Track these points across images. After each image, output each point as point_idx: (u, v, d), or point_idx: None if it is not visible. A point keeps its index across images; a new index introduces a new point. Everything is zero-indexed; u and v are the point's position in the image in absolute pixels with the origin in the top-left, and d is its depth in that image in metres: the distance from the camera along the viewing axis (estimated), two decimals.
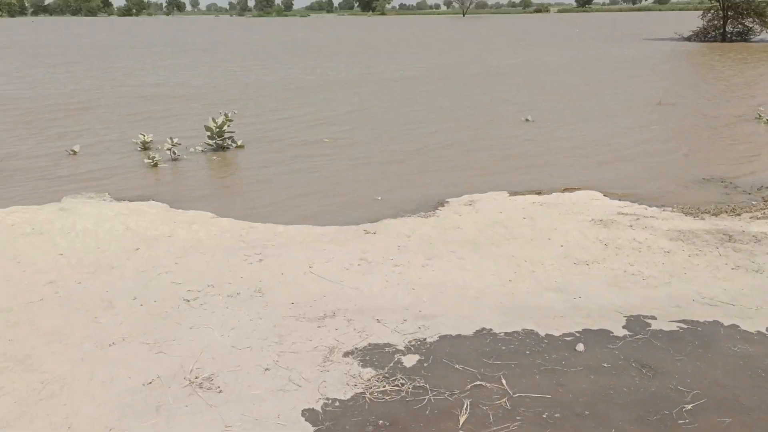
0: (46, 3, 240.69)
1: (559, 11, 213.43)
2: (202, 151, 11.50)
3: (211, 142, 11.43)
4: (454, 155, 11.17)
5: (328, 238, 6.91)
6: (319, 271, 6.03)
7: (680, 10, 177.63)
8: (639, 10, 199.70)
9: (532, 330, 4.88)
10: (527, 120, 14.23)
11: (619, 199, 8.26)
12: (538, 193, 8.61)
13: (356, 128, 13.62)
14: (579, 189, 8.77)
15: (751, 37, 41.46)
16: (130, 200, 8.46)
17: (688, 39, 43.06)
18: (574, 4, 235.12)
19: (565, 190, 8.74)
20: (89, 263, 6.22)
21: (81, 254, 6.44)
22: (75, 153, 11.37)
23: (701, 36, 42.69)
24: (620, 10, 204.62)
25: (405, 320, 5.09)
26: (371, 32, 70.34)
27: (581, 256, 6.30)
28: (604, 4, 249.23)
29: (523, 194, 8.59)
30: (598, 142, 12.03)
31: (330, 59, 32.96)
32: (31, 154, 11.44)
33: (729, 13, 41.39)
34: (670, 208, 7.83)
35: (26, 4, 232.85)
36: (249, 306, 5.35)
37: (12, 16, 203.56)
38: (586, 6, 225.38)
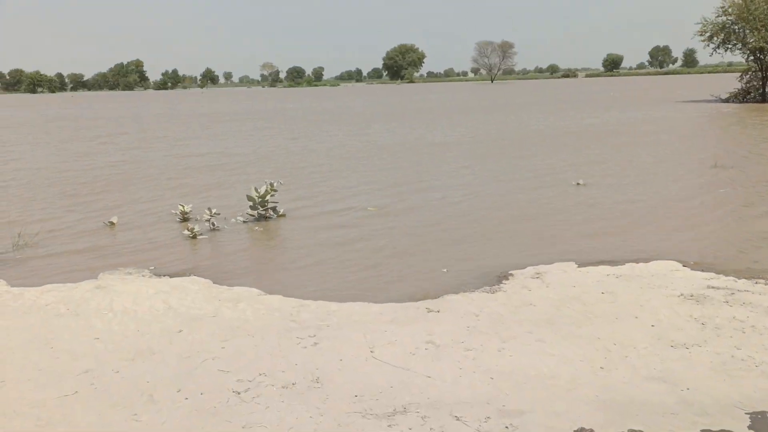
0: (84, 79, 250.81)
1: (587, 76, 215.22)
2: (244, 221, 11.07)
3: (252, 212, 10.99)
4: (508, 222, 10.55)
5: (387, 317, 6.27)
6: (383, 356, 5.37)
7: (709, 72, 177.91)
8: (667, 73, 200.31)
9: None
10: (579, 184, 13.60)
11: (702, 270, 7.50)
12: (610, 264, 7.90)
13: (403, 195, 13.11)
14: (654, 259, 8.03)
15: None
16: (171, 276, 7.95)
17: (726, 100, 42.41)
18: (602, 69, 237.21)
19: (639, 260, 8.01)
20: (128, 348, 5.64)
21: (119, 338, 5.88)
22: (113, 225, 11.02)
23: (740, 97, 42.00)
24: (648, 74, 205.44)
25: (488, 417, 4.38)
26: (404, 98, 71.12)
27: (677, 338, 5.54)
28: (630, 68, 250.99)
29: (593, 265, 7.89)
30: (660, 207, 11.31)
31: (369, 126, 32.92)
32: (69, 226, 11.12)
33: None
34: (764, 281, 7.04)
35: (66, 80, 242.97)
36: (307, 399, 4.69)
37: (52, 91, 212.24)
38: (614, 70, 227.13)
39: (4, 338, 5.87)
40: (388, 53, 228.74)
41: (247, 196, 11.05)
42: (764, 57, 40.33)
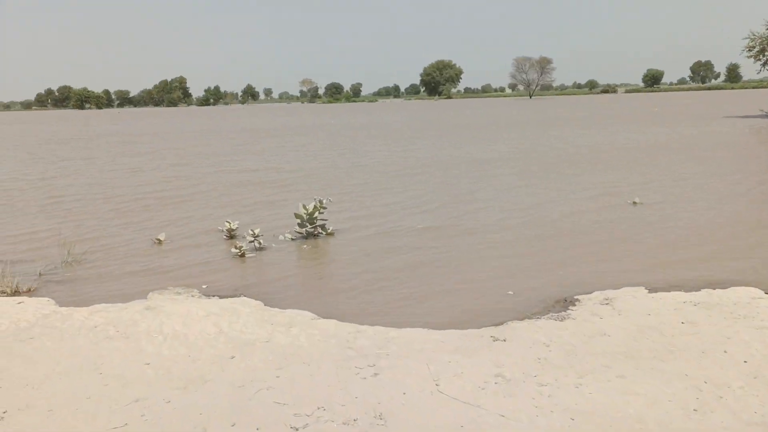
0: (130, 95, 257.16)
1: (627, 91, 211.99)
2: (292, 239, 10.81)
3: (301, 230, 10.73)
4: (569, 243, 10.06)
5: (450, 345, 5.87)
6: (449, 390, 4.98)
7: (754, 87, 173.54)
8: (709, 89, 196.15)
9: None
10: (635, 203, 13.03)
11: None
12: (683, 290, 7.37)
13: (455, 214, 12.71)
14: (730, 285, 7.48)
15: None
16: (221, 296, 7.71)
17: None
18: (641, 84, 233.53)
19: (715, 286, 7.47)
20: (179, 375, 5.37)
21: (170, 363, 5.61)
22: (160, 242, 10.88)
23: None
24: (690, 89, 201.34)
25: None
26: (444, 114, 70.76)
27: None
28: (671, 83, 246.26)
29: (664, 290, 7.37)
30: (727, 228, 10.69)
31: (413, 141, 32.50)
32: (118, 243, 11.01)
33: None
34: None
35: (113, 96, 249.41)
36: None
37: (99, 107, 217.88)
38: (654, 86, 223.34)
39: (52, 363, 5.66)
40: (425, 69, 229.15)
41: (295, 213, 10.81)
42: None
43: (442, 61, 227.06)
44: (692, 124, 38.19)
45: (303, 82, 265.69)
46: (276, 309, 7.04)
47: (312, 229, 10.78)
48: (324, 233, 11.02)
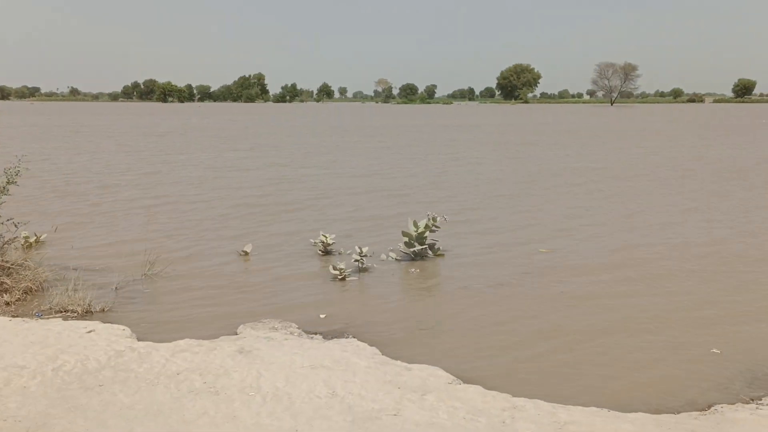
0: (211, 90, 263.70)
1: (715, 101, 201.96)
2: (396, 259, 9.37)
3: (408, 250, 9.27)
4: (734, 287, 8.21)
5: None
6: None
7: None
8: None
9: None
10: None
11: None
12: None
13: (581, 236, 10.97)
14: None
15: None
16: (324, 335, 6.32)
17: None
18: (731, 94, 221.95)
19: None
20: None
21: None
22: (246, 255, 9.65)
23: None
24: None
25: None
26: (532, 119, 68.12)
27: None
28: (762, 94, 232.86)
29: None
30: None
31: (524, 149, 30.11)
32: (204, 255, 9.84)
33: None
34: None
35: (194, 91, 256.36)
36: None
37: (181, 101, 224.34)
38: (745, 96, 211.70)
39: (127, 424, 4.37)
40: (502, 73, 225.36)
41: (403, 231, 9.34)
42: None
43: (520, 65, 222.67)
44: None
45: (378, 82, 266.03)
46: (400, 363, 5.55)
47: (420, 250, 9.30)
48: (432, 254, 9.52)
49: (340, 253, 9.69)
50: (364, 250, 8.86)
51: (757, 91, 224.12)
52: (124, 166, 21.65)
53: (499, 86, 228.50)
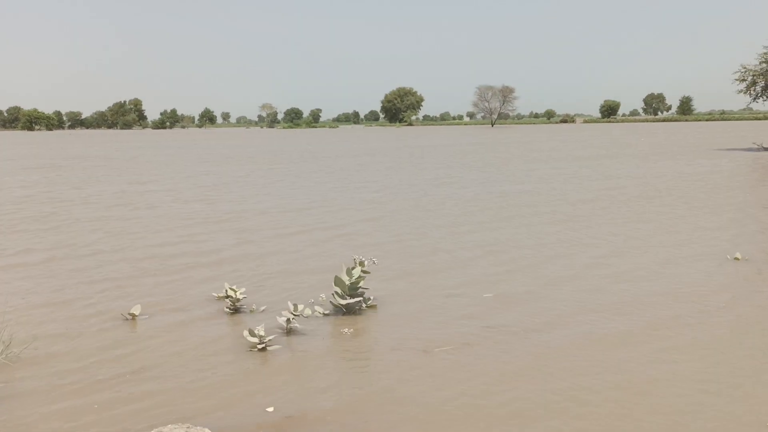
0: (83, 117, 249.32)
1: (585, 122, 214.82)
2: (324, 313, 7.72)
3: (341, 302, 7.64)
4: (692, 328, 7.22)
5: None
6: None
7: (706, 120, 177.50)
8: (663, 120, 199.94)
9: None
10: (737, 258, 10.36)
11: None
12: None
13: (524, 276, 9.77)
14: None
15: None
16: None
17: None
18: (598, 115, 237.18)
19: None
20: None
21: None
22: (134, 317, 7.67)
23: None
24: (645, 121, 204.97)
25: None
26: (431, 140, 68.10)
27: None
28: (624, 115, 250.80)
29: None
30: None
31: (433, 170, 29.24)
32: (82, 321, 7.73)
33: None
34: None
35: (64, 118, 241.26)
36: None
37: (50, 129, 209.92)
38: (611, 117, 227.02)
39: None
40: (386, 96, 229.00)
41: (336, 278, 7.70)
42: None
43: (403, 88, 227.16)
44: (705, 156, 36.23)
45: (263, 107, 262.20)
46: None
47: (354, 302, 7.71)
48: (365, 305, 7.96)
49: (252, 311, 7.92)
50: (300, 308, 7.15)
51: (620, 111, 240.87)
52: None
53: (384, 109, 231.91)
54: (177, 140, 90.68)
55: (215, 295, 8.54)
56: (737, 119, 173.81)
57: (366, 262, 8.02)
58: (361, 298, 7.76)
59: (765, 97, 40.36)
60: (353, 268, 7.85)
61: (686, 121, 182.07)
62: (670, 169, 27.44)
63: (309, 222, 14.69)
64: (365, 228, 13.81)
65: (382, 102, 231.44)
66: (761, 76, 39.58)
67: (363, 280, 7.83)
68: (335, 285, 7.74)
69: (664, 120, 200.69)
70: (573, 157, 37.01)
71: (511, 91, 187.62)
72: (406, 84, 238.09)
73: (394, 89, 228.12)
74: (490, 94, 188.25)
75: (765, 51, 38.97)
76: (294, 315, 7.01)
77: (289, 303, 7.27)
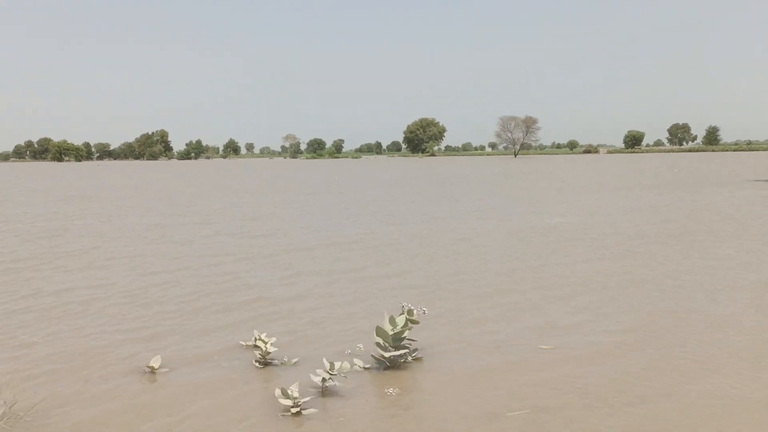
0: (111, 148, 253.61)
1: (608, 152, 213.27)
2: (365, 367, 6.87)
3: (384, 355, 6.78)
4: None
5: None
6: None
7: (734, 150, 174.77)
8: (689, 150, 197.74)
9: None
10: None
11: None
12: None
13: (592, 318, 8.82)
14: None
15: None
16: None
17: None
18: (622, 145, 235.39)
19: None
20: None
21: None
22: (153, 372, 6.88)
23: None
24: (671, 151, 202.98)
25: None
26: (456, 172, 67.44)
27: None
28: (648, 145, 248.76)
29: None
30: None
31: (468, 204, 28.57)
32: (85, 376, 6.97)
33: None
34: None
35: (93, 149, 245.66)
36: None
37: (78, 160, 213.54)
38: (635, 147, 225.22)
39: None
40: (408, 127, 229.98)
41: (377, 329, 6.86)
42: None
43: (425, 119, 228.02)
44: (743, 187, 34.98)
45: (286, 138, 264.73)
46: None
47: (398, 355, 6.84)
48: (410, 358, 7.08)
49: (283, 363, 7.10)
50: (336, 366, 6.31)
51: (644, 141, 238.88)
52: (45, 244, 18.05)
53: (406, 140, 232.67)
54: (205, 171, 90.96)
55: (243, 343, 7.74)
56: (765, 149, 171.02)
57: (415, 311, 7.15)
58: (407, 350, 6.89)
59: None
60: (399, 316, 7.00)
61: (713, 151, 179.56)
62: None
63: (347, 259, 13.87)
64: (401, 267, 12.96)
65: (404, 132, 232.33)
66: None
67: (409, 329, 6.97)
68: (377, 335, 6.90)
69: (689, 150, 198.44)
70: (641, 186, 35.93)
71: (534, 121, 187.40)
72: (429, 114, 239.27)
73: (417, 120, 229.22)
74: (513, 124, 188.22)
75: None
76: (330, 374, 6.16)
77: (324, 360, 6.43)
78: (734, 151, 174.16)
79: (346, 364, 6.71)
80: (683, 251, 13.92)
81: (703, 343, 7.56)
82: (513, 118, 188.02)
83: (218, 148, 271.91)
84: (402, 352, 6.81)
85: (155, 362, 6.96)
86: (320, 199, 31.86)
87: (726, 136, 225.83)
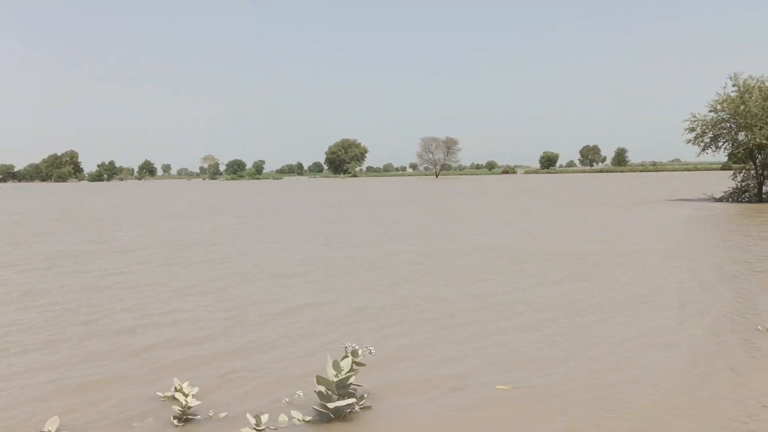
0: (15, 170, 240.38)
1: (525, 172, 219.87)
2: (304, 420, 5.92)
3: (330, 406, 5.85)
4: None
5: None
6: None
7: (641, 171, 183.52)
8: (599, 171, 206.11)
9: None
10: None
11: None
12: None
13: (542, 361, 8.14)
14: None
15: None
16: None
17: (720, 200, 39.92)
18: (537, 166, 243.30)
19: None
20: None
21: None
22: None
23: (735, 197, 39.60)
24: (583, 171, 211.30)
25: None
26: (381, 194, 66.87)
27: None
28: (561, 165, 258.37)
29: None
30: None
31: (415, 234, 27.61)
32: None
33: (764, 172, 38.66)
34: None
35: None
36: None
37: None
38: (550, 168, 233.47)
39: None
40: (330, 147, 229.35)
41: (318, 378, 5.94)
42: (760, 155, 38.28)
43: (347, 140, 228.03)
44: (666, 208, 35.96)
45: (206, 159, 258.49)
46: None
47: (345, 405, 5.94)
48: (358, 406, 6.19)
49: (209, 418, 6.06)
50: (263, 419, 5.35)
51: (558, 162, 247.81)
52: None
53: (328, 161, 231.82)
54: (118, 194, 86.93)
55: (160, 395, 6.63)
56: (669, 170, 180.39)
57: (360, 351, 6.28)
58: (354, 400, 6.00)
59: (714, 148, 40.59)
60: (344, 359, 6.11)
61: (621, 171, 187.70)
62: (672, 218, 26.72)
63: (278, 290, 12.83)
64: (329, 297, 12.05)
65: (326, 153, 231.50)
66: (710, 127, 39.90)
67: (355, 373, 6.10)
68: (318, 384, 5.98)
69: (600, 171, 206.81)
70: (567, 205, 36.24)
71: (455, 142, 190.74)
72: (350, 135, 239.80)
73: (338, 141, 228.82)
74: (434, 145, 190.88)
75: (715, 101, 39.38)
76: (257, 430, 5.21)
77: (248, 416, 5.45)
78: (641, 171, 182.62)
79: (283, 416, 5.78)
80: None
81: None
82: (434, 139, 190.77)
83: (133, 170, 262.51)
84: (348, 402, 5.90)
85: (52, 425, 5.78)
86: (252, 222, 30.47)
87: (633, 158, 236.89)
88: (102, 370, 7.58)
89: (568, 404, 6.23)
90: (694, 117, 40.30)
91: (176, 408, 6.04)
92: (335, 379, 5.88)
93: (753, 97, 38.21)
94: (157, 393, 6.68)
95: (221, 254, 18.05)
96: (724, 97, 39.35)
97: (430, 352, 8.10)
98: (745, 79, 39.31)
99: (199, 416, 6.08)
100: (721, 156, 43.34)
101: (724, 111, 39.41)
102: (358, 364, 6.22)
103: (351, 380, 6.01)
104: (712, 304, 10.45)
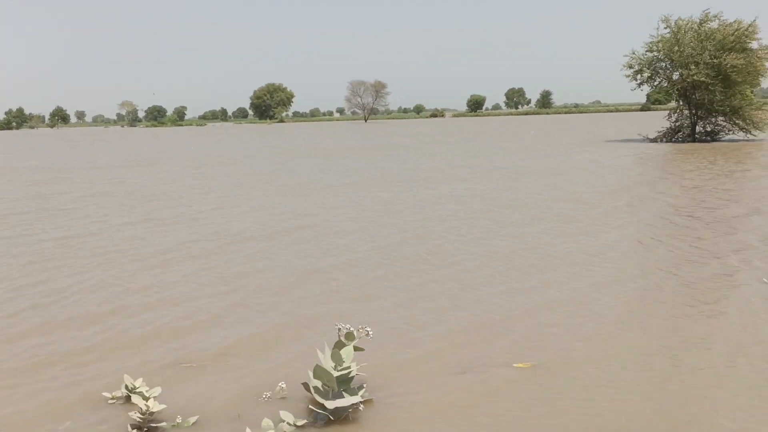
0: None
1: (454, 116, 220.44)
2: (295, 425, 4.81)
3: (330, 406, 4.74)
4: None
5: None
6: None
7: (565, 113, 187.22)
8: (525, 113, 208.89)
9: None
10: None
11: None
12: None
13: (576, 332, 7.20)
14: None
15: (722, 136, 39.51)
16: None
17: (654, 140, 40.53)
18: (465, 109, 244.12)
19: None
20: None
21: None
22: None
23: (669, 136, 40.31)
24: (510, 114, 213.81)
25: None
26: (313, 139, 64.55)
27: None
28: (487, 109, 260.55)
29: None
30: None
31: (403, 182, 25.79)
32: None
33: (698, 112, 39.39)
34: None
35: None
36: None
37: None
38: (477, 111, 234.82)
39: None
40: (255, 92, 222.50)
41: (316, 368, 4.80)
42: (694, 95, 38.81)
43: (273, 84, 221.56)
44: (609, 149, 35.76)
45: (123, 104, 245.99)
46: None
47: (348, 404, 4.84)
48: (361, 404, 5.11)
49: (176, 426, 4.87)
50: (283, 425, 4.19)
51: (485, 105, 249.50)
52: None
53: (253, 106, 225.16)
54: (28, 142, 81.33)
55: (108, 395, 5.36)
56: (591, 111, 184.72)
57: (356, 333, 5.16)
58: (359, 398, 4.90)
59: (649, 85, 41.46)
60: (339, 346, 4.99)
61: (547, 113, 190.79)
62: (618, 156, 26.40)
63: (241, 254, 11.49)
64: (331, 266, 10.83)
65: (251, 98, 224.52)
66: (647, 65, 40.34)
67: (352, 363, 5.00)
68: (315, 377, 4.85)
69: (525, 113, 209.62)
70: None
71: (384, 86, 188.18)
72: (276, 80, 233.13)
73: (263, 85, 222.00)
74: (362, 89, 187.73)
75: (650, 41, 39.69)
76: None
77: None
78: (565, 113, 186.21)
79: (268, 422, 4.66)
80: None
81: None
82: (362, 83, 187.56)
83: (44, 117, 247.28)
84: (352, 401, 4.80)
85: None
86: (209, 172, 28.42)
87: (557, 100, 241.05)
88: (29, 356, 6.19)
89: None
90: (633, 53, 40.55)
91: (135, 415, 4.81)
92: (337, 373, 4.76)
93: (688, 38, 38.45)
94: (104, 394, 5.39)
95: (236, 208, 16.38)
96: (659, 38, 39.63)
97: (432, 333, 7.07)
98: (676, 20, 39.71)
99: (164, 423, 4.87)
100: (641, 96, 44.75)
101: (660, 51, 39.72)
102: (356, 348, 5.12)
103: (353, 373, 4.91)
104: None
